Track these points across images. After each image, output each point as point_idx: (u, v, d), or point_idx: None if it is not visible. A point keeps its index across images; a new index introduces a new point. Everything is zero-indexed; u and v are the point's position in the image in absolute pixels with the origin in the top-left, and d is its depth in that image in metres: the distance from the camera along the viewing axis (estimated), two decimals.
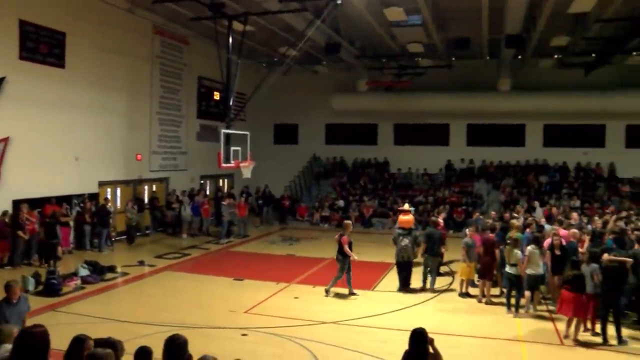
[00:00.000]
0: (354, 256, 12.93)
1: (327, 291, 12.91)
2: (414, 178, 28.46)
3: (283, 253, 18.67)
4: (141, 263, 16.07)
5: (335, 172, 29.37)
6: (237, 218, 21.70)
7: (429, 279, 13.52)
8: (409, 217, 14.26)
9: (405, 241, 13.45)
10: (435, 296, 13.08)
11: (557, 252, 11.53)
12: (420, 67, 26.32)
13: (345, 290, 13.06)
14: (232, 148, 16.47)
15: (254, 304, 11.99)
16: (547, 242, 12.04)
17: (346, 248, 12.80)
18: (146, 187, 21.93)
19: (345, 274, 12.86)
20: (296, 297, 12.76)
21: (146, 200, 21.61)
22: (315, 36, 19.79)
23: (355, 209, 25.60)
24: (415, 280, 13.74)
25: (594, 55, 23.37)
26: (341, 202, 26.22)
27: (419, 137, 28.75)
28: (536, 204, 21.01)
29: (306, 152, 30.18)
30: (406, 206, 15.65)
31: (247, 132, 17.66)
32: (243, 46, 17.87)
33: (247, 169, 17.24)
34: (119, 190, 20.37)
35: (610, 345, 9.57)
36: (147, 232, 21.11)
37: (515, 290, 11.66)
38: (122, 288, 13.53)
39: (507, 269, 11.73)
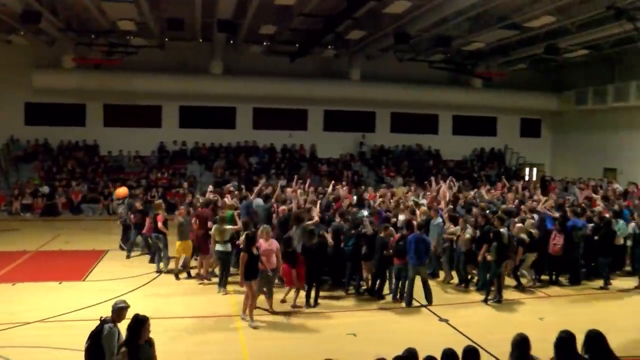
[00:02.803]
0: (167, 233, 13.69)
1: (159, 272, 13.50)
2: (125, 161, 27.40)
3: None
4: None
5: (39, 156, 26.67)
6: None
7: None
8: (123, 190, 17.35)
9: (120, 208, 16.40)
10: (151, 281, 12.92)
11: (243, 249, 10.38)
12: (132, 46, 25.28)
13: (54, 284, 12.19)
14: None
15: None
16: None
17: (161, 225, 13.39)
18: None
19: (163, 251, 13.56)
20: None
21: None
22: (9, 1, 17.61)
23: (62, 194, 23.71)
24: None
25: (297, 45, 25.13)
26: (46, 188, 23.97)
27: (131, 118, 27.50)
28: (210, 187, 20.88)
29: (2, 134, 26.70)
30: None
31: None
32: None
33: None
34: None
35: (312, 307, 11.10)
36: None
37: (226, 268, 12.17)
38: None
39: (218, 247, 12.07)
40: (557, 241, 12.73)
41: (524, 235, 12.38)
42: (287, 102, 28.53)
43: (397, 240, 11.51)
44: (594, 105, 28.16)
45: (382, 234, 11.67)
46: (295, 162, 28.51)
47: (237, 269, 12.84)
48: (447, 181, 18.11)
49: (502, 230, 11.63)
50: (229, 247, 12.14)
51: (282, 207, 13.47)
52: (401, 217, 13.77)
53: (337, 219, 12.79)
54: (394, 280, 11.79)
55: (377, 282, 11.93)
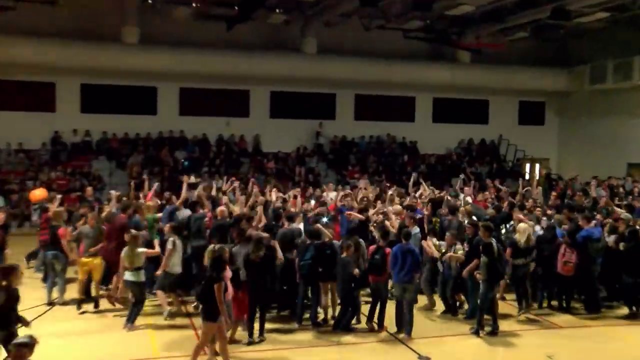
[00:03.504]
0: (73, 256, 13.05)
1: (52, 303, 12.93)
2: (3, 156, 26.47)
3: None
4: None
5: None
6: None
7: None
8: (40, 192, 17.89)
9: (36, 215, 16.84)
10: (40, 315, 12.21)
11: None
12: None
13: None
14: None
15: None
16: None
17: (65, 242, 12.76)
18: None
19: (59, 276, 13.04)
20: None
21: None
22: None
23: None
24: None
25: (236, 8, 24.76)
26: None
27: (11, 99, 26.45)
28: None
29: None
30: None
31: None
32: None
33: None
34: None
35: (256, 343, 10.83)
36: None
37: (138, 302, 11.73)
38: None
39: (127, 276, 11.55)
40: (567, 258, 12.52)
41: (519, 237, 12.26)
42: (223, 81, 28.24)
43: (373, 253, 11.45)
44: (614, 83, 28.68)
45: (344, 254, 11.46)
46: (235, 157, 28.30)
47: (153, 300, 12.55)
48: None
49: (492, 241, 11.38)
50: (142, 276, 11.55)
51: (221, 209, 13.38)
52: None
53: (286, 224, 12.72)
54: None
55: (347, 313, 11.67)
